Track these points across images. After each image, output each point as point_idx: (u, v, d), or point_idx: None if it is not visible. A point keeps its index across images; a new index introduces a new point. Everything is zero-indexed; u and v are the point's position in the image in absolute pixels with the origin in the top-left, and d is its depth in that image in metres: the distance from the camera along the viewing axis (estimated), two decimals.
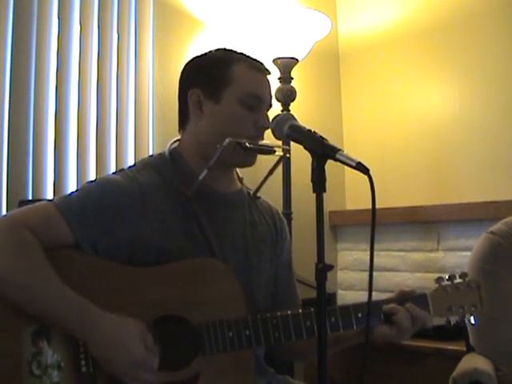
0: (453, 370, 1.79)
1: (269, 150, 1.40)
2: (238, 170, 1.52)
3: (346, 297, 3.03)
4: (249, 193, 1.53)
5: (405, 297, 1.38)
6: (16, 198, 1.89)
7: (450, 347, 2.22)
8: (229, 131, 1.36)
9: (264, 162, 1.45)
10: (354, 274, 3.02)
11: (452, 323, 1.41)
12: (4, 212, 1.94)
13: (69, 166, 2.13)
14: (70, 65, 2.15)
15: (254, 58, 1.46)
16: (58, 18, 2.13)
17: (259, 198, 1.55)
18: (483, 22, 2.66)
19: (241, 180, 1.53)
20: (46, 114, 2.08)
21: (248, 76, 1.40)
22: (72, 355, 1.19)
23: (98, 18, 2.24)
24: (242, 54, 1.46)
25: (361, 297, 2.95)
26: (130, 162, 2.29)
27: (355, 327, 1.35)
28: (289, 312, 1.32)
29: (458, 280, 1.42)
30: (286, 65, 2.55)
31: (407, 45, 2.93)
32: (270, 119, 1.34)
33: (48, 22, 2.09)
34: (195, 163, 1.41)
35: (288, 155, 1.44)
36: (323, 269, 1.08)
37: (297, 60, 2.57)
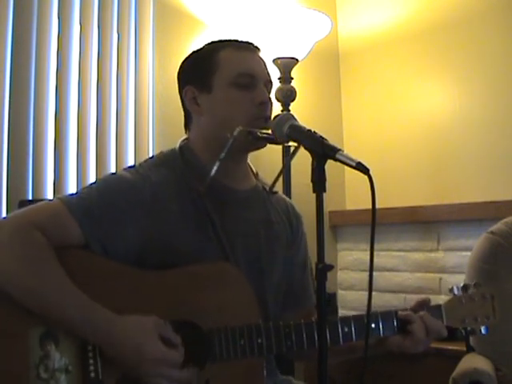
0: (453, 370, 1.79)
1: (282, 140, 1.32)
2: (251, 164, 1.48)
3: (346, 297, 3.03)
4: (264, 188, 1.47)
5: (420, 306, 1.36)
6: (16, 198, 1.89)
7: (450, 347, 2.22)
8: (228, 117, 1.34)
9: (266, 156, 1.41)
10: (354, 273, 3.02)
11: (463, 333, 1.38)
12: (4, 212, 1.95)
13: (69, 166, 2.13)
14: (69, 65, 2.15)
15: (241, 39, 1.43)
16: (58, 18, 2.13)
17: (276, 192, 1.50)
18: (483, 22, 2.66)
19: (255, 175, 1.49)
20: (46, 114, 2.08)
21: (234, 57, 1.37)
22: (80, 359, 1.17)
23: (98, 18, 2.24)
24: (229, 40, 1.42)
25: (361, 297, 2.95)
26: (130, 161, 2.29)
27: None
28: (302, 321, 1.28)
29: (472, 290, 1.39)
30: (286, 65, 2.55)
31: (407, 45, 2.93)
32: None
33: (48, 22, 2.10)
34: (206, 158, 1.38)
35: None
36: (323, 269, 1.07)
37: (297, 60, 2.57)
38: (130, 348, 1.14)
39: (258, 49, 1.43)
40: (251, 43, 1.43)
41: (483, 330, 1.38)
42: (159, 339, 1.15)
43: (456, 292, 1.39)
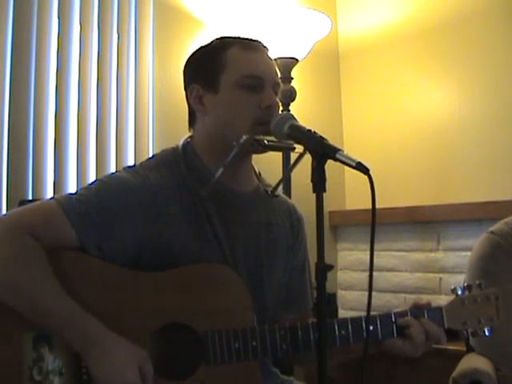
0: (453, 369, 1.79)
1: (288, 147, 1.28)
2: (254, 165, 1.45)
3: (346, 297, 3.03)
4: (266, 191, 1.44)
5: (420, 309, 1.33)
6: (16, 198, 1.89)
7: (450, 347, 2.21)
8: (232, 119, 1.31)
9: (265, 155, 1.40)
10: (354, 273, 3.02)
11: (465, 335, 1.36)
12: (4, 212, 1.94)
13: (69, 166, 2.13)
14: (69, 65, 2.16)
15: (250, 38, 1.39)
16: (58, 18, 2.13)
17: (277, 196, 1.47)
18: (483, 22, 2.66)
19: (258, 175, 1.46)
20: (46, 113, 2.08)
21: (242, 57, 1.33)
22: (73, 362, 1.17)
23: (98, 18, 2.24)
24: (236, 37, 1.39)
25: (361, 297, 2.95)
26: (130, 161, 2.29)
27: None
28: (298, 323, 1.27)
29: (475, 290, 1.35)
30: (286, 65, 2.55)
31: (407, 45, 2.93)
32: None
33: (48, 22, 2.10)
34: (208, 159, 1.35)
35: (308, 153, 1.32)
36: (323, 269, 1.08)
37: (297, 60, 2.57)
38: (109, 364, 1.13)
39: (267, 48, 1.39)
40: (260, 42, 1.39)
41: (487, 332, 1.34)
42: (138, 372, 1.15)
43: (459, 292, 1.35)
